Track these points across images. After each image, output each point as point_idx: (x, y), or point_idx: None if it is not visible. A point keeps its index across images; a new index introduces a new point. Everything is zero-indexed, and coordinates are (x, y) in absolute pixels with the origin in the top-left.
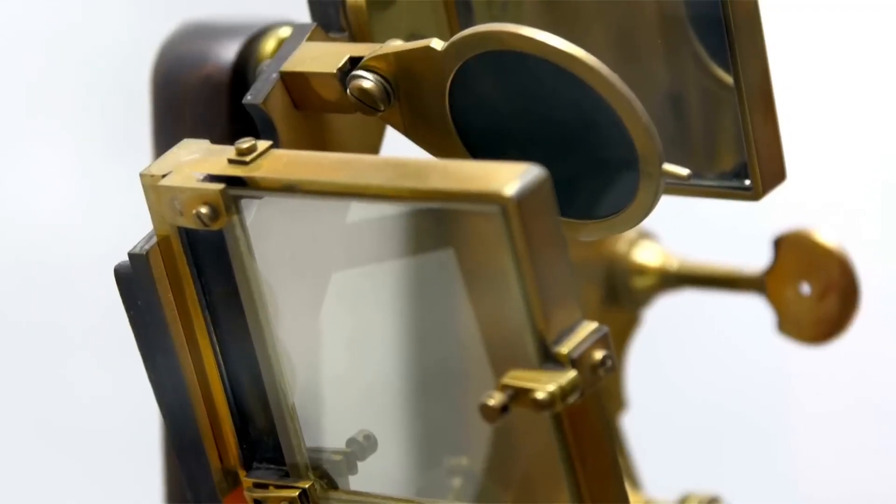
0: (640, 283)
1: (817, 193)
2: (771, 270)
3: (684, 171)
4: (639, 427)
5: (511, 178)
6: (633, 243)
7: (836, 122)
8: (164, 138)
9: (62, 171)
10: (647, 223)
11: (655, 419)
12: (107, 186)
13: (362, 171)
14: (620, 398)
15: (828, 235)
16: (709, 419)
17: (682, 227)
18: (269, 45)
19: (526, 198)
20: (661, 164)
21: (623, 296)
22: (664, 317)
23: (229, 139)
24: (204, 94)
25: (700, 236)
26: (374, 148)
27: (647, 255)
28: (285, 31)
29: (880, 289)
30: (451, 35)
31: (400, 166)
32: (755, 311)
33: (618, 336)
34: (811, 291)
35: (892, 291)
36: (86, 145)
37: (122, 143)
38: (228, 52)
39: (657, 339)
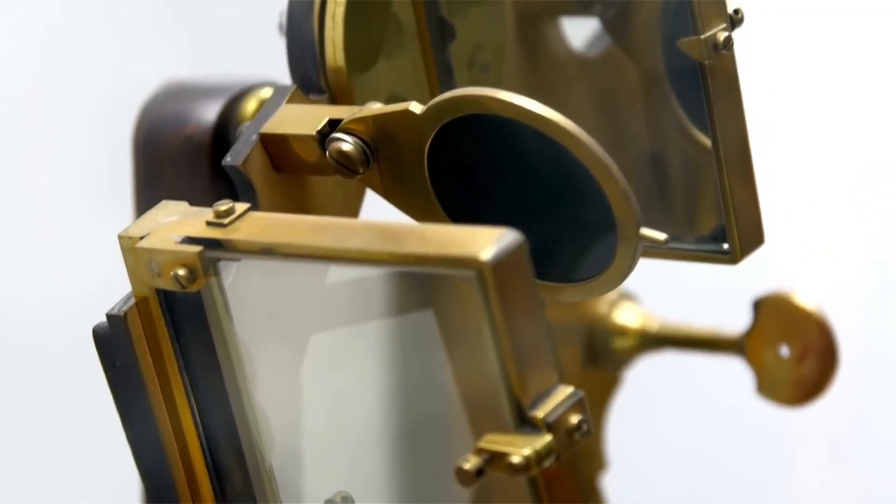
0: (621, 344)
1: (797, 256)
2: (750, 332)
3: (662, 236)
4: (623, 486)
5: (487, 243)
6: (613, 305)
7: (814, 184)
8: (145, 197)
9: (47, 223)
10: (628, 284)
11: (640, 477)
12: (91, 236)
13: (339, 234)
14: (601, 458)
15: (807, 298)
16: (694, 477)
17: (662, 288)
18: (250, 105)
19: (502, 263)
20: (638, 228)
21: (604, 357)
22: (650, 373)
23: (210, 199)
24: (185, 155)
25: (680, 297)
26: (353, 210)
27: (627, 316)
28: (266, 92)
29: (863, 348)
30: (432, 97)
31: (377, 230)
32: (740, 368)
33: (599, 396)
34: (790, 354)
35: (874, 351)
36: (70, 196)
37: (107, 193)
38: (209, 112)
39: (642, 395)
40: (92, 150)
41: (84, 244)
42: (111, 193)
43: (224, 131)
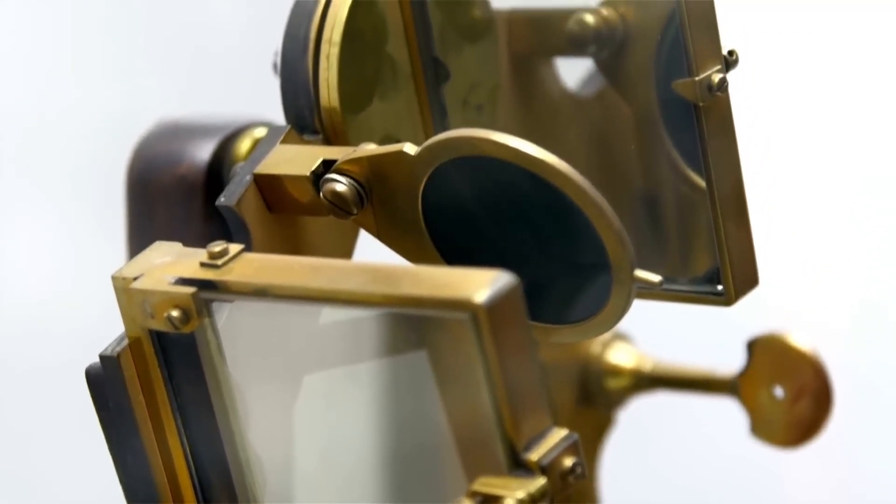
0: (614, 384)
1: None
2: (744, 373)
3: (656, 278)
4: None
5: (481, 285)
6: (606, 345)
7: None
8: (139, 237)
9: (49, 248)
10: (621, 324)
11: None
12: (93, 264)
13: (333, 276)
14: (594, 497)
15: (801, 339)
16: None
17: (655, 328)
18: (244, 145)
19: (496, 305)
20: (633, 270)
21: (597, 397)
22: (643, 412)
23: (204, 239)
24: (178, 194)
25: (674, 337)
26: (347, 250)
27: (620, 356)
28: (260, 132)
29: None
30: (426, 137)
31: (370, 272)
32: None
33: (592, 437)
34: (784, 395)
35: (867, 390)
36: (72, 221)
37: (102, 230)
38: (203, 152)
39: (635, 433)
40: (86, 187)
41: (79, 280)
42: (106, 230)
43: (218, 171)
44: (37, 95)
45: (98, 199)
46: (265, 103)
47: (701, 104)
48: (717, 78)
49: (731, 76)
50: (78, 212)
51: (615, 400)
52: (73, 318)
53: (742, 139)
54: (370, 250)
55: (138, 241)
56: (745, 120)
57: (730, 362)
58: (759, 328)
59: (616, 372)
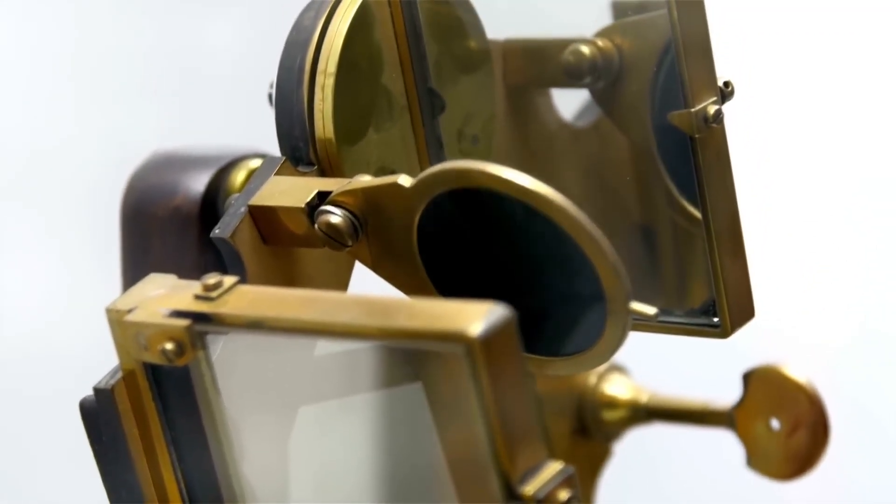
0: (610, 416)
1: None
2: (740, 405)
3: (651, 311)
4: None
5: (476, 318)
6: (602, 376)
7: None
8: (133, 268)
9: (45, 278)
10: (618, 355)
11: None
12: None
13: (328, 308)
14: None
15: (797, 371)
16: None
17: (651, 354)
18: (239, 176)
19: (491, 338)
20: (628, 303)
21: (593, 428)
22: (638, 443)
23: (199, 270)
24: (173, 226)
25: (670, 363)
26: (343, 282)
27: (616, 388)
28: (255, 163)
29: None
30: (422, 168)
31: (365, 304)
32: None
33: (588, 469)
34: (781, 427)
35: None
36: (69, 251)
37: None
38: (198, 183)
39: (631, 464)
40: (83, 218)
41: (75, 311)
42: (102, 260)
43: (213, 202)
44: (34, 125)
45: (95, 229)
46: (263, 133)
47: (697, 136)
48: (712, 109)
49: (727, 107)
50: (75, 242)
51: (611, 432)
52: (69, 349)
53: (738, 157)
54: (366, 282)
55: (133, 272)
56: (741, 138)
57: (728, 385)
58: (755, 353)
59: (612, 404)
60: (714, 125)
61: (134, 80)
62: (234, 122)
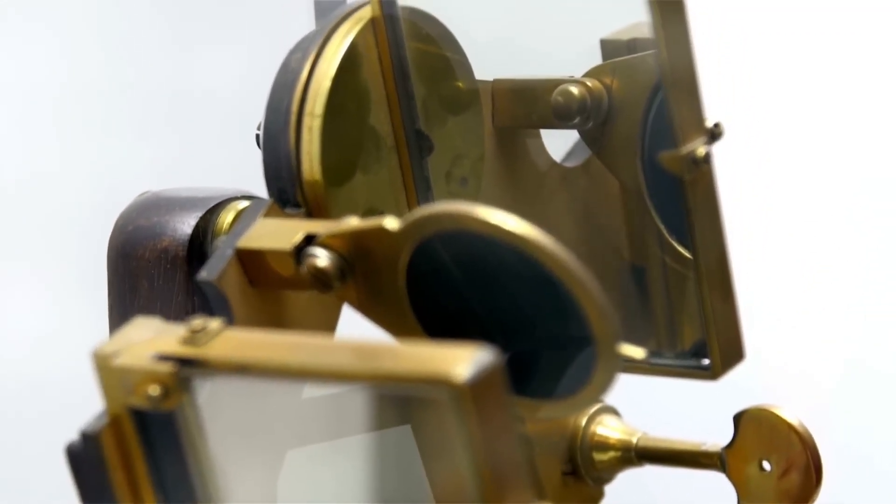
0: (601, 457)
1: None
2: (731, 447)
3: (640, 354)
4: None
5: (462, 362)
6: (593, 418)
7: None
8: (120, 311)
9: (34, 319)
10: (609, 398)
11: None
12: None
13: (314, 352)
14: None
15: (788, 412)
16: None
17: (643, 400)
18: (227, 217)
19: (477, 382)
20: (617, 346)
21: (584, 470)
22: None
23: (187, 312)
24: (161, 268)
25: (661, 410)
26: (331, 324)
27: (608, 429)
28: (244, 205)
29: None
30: (410, 210)
31: (352, 348)
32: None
33: None
34: (772, 469)
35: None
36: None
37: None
38: (185, 225)
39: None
40: (71, 259)
41: (63, 352)
42: (91, 301)
43: (200, 244)
44: (24, 160)
45: (85, 267)
46: (257, 172)
47: (686, 177)
48: (701, 151)
49: (717, 148)
50: (65, 280)
51: (602, 474)
52: (57, 389)
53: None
54: (355, 323)
55: (120, 314)
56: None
57: (720, 424)
58: (748, 391)
59: (603, 445)
60: (703, 166)
61: (127, 116)
62: (228, 160)
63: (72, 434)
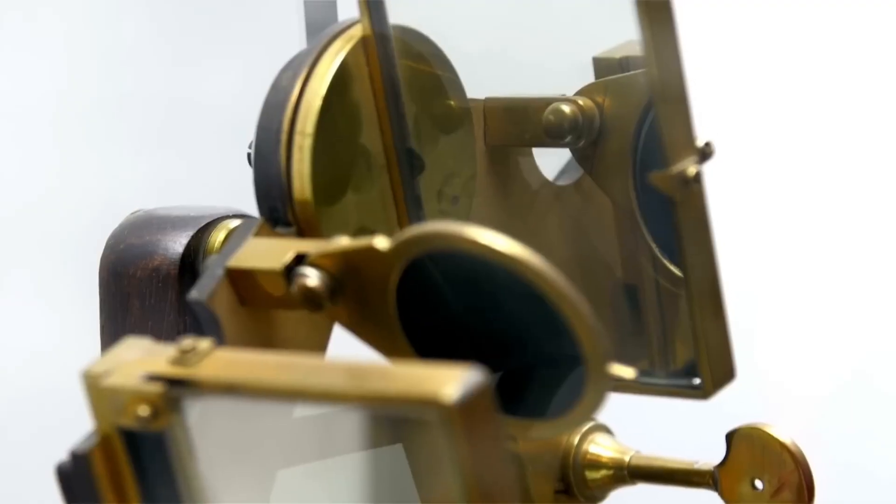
0: (594, 476)
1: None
2: (724, 465)
3: (631, 374)
4: None
5: (451, 382)
6: (586, 436)
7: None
8: (112, 330)
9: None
10: (601, 416)
11: None
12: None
13: (303, 373)
14: None
15: (781, 431)
16: None
17: (635, 419)
18: (218, 236)
19: (466, 403)
20: (607, 366)
21: (577, 488)
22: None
23: (178, 331)
24: (152, 287)
25: (654, 428)
26: (321, 343)
27: (600, 448)
28: (235, 223)
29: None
30: (402, 228)
31: (341, 369)
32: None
33: None
34: (764, 487)
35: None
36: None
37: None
38: (177, 244)
39: None
40: (70, 272)
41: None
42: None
43: (192, 263)
44: (21, 176)
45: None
46: (252, 188)
47: (676, 197)
48: (692, 170)
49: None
50: (61, 297)
51: (595, 492)
52: (53, 407)
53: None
54: (347, 342)
55: (112, 333)
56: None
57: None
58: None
59: (595, 464)
60: (694, 185)
61: (126, 131)
62: (226, 176)
63: (67, 450)
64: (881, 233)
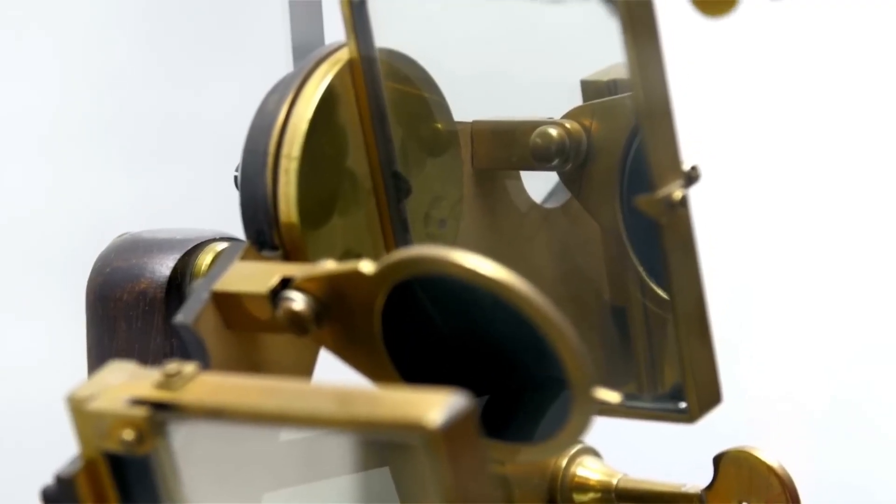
0: (582, 498)
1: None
2: (711, 488)
3: (616, 398)
4: None
5: (435, 407)
6: (574, 459)
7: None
8: (99, 352)
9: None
10: (589, 438)
11: None
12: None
13: (288, 397)
14: None
15: (768, 454)
16: None
17: (623, 441)
18: (205, 259)
19: (450, 428)
20: (592, 391)
21: None
22: None
23: (165, 354)
24: (139, 310)
25: (642, 451)
26: (307, 367)
27: (588, 471)
28: (222, 246)
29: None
30: (388, 252)
31: (326, 393)
32: None
33: None
34: None
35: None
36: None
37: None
38: (163, 267)
39: None
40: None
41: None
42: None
43: (178, 286)
44: (11, 197)
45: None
46: (228, 218)
47: (662, 221)
48: (678, 194)
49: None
50: (50, 319)
51: None
52: (36, 432)
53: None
54: (332, 367)
55: (99, 356)
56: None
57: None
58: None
59: (583, 487)
60: (680, 209)
61: (117, 151)
62: (218, 196)
63: (52, 473)
64: (863, 252)
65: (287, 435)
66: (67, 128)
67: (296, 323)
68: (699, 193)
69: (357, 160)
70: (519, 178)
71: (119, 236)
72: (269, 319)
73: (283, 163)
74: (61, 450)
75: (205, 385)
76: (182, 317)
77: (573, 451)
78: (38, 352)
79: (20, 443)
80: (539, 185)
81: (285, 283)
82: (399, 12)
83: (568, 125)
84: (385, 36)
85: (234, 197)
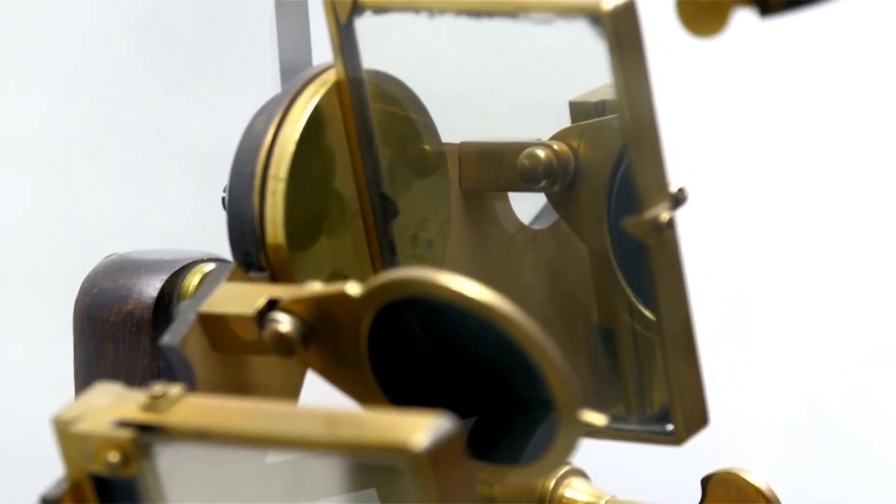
0: None
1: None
2: None
3: (602, 421)
4: None
5: (421, 430)
6: (561, 480)
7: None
8: (86, 373)
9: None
10: (577, 460)
11: None
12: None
13: (274, 419)
14: None
15: (756, 476)
16: None
17: (611, 462)
18: (192, 280)
19: (436, 450)
20: (578, 413)
21: None
22: None
23: (152, 376)
24: (126, 331)
25: (630, 472)
26: (294, 388)
27: (575, 492)
28: (209, 267)
29: None
30: (376, 274)
31: (312, 416)
32: None
33: None
34: None
35: None
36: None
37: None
38: (151, 288)
39: None
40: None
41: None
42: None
43: (166, 307)
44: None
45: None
46: (216, 239)
47: (649, 243)
48: (665, 216)
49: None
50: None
51: None
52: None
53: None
54: (319, 388)
55: (86, 377)
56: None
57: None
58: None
59: None
60: (667, 231)
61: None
62: (203, 219)
63: (37, 495)
64: (856, 267)
65: (273, 457)
66: (56, 147)
67: (282, 344)
68: (691, 204)
69: (344, 181)
70: (507, 200)
71: (107, 257)
72: (255, 341)
73: (271, 184)
74: (48, 470)
75: (190, 407)
76: (169, 338)
77: (561, 472)
78: (27, 370)
79: (4, 462)
80: (527, 206)
81: (272, 305)
82: (387, 33)
83: (556, 146)
84: (372, 57)
85: (221, 217)
